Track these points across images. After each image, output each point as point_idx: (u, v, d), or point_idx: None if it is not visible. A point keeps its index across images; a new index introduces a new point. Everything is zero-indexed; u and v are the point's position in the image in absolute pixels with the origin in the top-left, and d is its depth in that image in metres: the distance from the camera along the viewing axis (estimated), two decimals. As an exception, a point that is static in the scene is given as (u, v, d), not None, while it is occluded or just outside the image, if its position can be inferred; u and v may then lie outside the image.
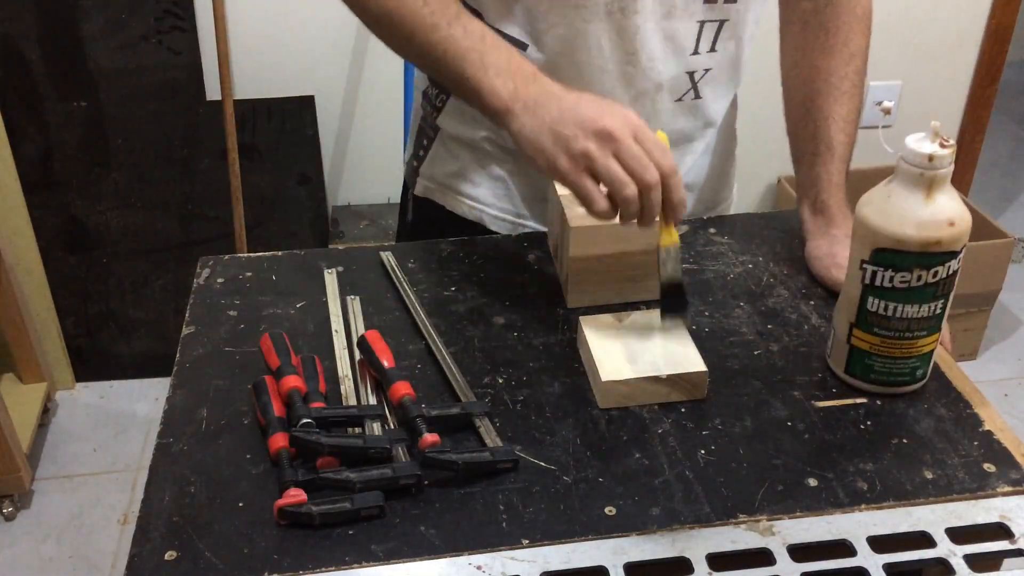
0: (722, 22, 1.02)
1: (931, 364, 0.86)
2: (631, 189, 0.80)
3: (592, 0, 0.97)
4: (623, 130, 0.80)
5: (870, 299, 0.81)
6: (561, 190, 0.93)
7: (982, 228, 2.32)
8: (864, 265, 0.81)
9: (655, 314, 0.89)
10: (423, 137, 1.16)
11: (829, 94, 1.04)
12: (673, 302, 0.87)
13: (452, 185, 1.14)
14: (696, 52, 1.03)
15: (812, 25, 1.06)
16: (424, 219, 1.18)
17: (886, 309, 0.81)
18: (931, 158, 0.76)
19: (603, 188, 0.82)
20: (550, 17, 0.98)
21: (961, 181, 2.61)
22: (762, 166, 2.45)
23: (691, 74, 1.04)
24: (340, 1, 0.95)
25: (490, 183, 1.11)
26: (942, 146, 0.76)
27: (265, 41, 2.13)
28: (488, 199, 1.12)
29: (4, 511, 2.04)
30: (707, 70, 1.05)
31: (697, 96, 1.07)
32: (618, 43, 1.00)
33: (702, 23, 1.01)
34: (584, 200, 0.82)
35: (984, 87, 2.48)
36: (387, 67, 2.18)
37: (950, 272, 0.79)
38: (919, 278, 0.79)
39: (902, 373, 0.84)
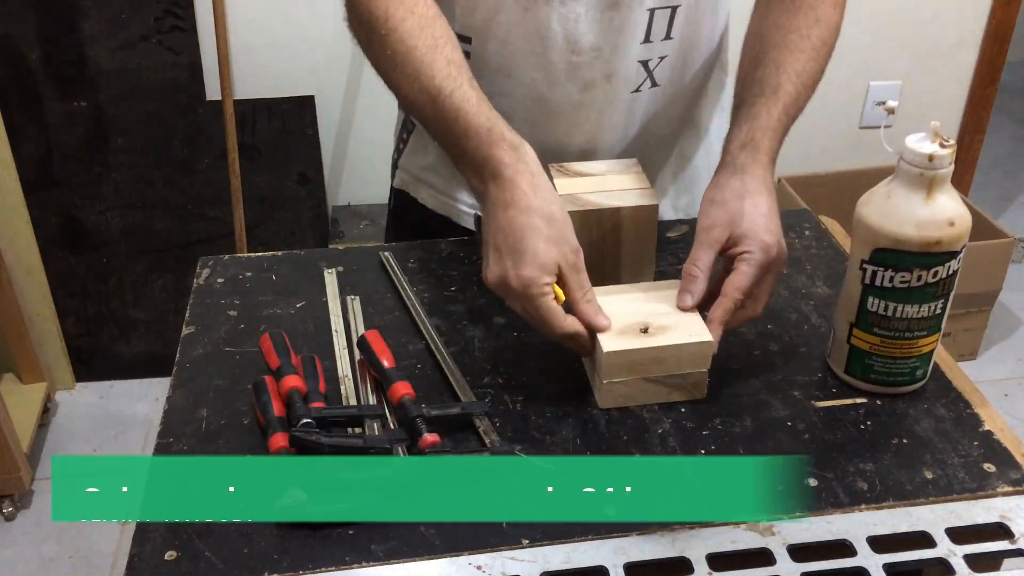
0: (674, 8, 0.99)
1: (931, 364, 0.86)
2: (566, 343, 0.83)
3: None
4: (528, 301, 0.81)
5: (870, 299, 0.81)
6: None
7: (982, 228, 2.32)
8: (864, 265, 0.81)
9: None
10: (404, 130, 1.18)
11: (785, 47, 0.95)
12: None
13: (424, 178, 1.16)
14: (648, 40, 1.00)
15: None
16: (402, 211, 1.20)
17: (886, 309, 0.81)
18: (931, 158, 0.76)
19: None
20: (488, 4, 0.97)
21: (961, 181, 2.61)
22: (762, 166, 2.45)
23: (644, 63, 1.02)
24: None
25: (458, 176, 1.11)
26: (942, 146, 0.76)
27: (265, 41, 2.13)
28: (457, 193, 1.13)
29: (4, 511, 2.04)
30: (662, 57, 1.02)
31: (654, 84, 1.04)
32: (560, 32, 0.98)
33: (652, 11, 0.98)
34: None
35: (984, 87, 2.48)
36: (387, 67, 2.18)
37: (950, 272, 0.79)
38: (919, 278, 0.79)
39: (902, 373, 0.84)
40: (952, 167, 0.77)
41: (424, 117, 0.90)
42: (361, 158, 2.32)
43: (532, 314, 0.82)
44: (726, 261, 0.86)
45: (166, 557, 0.70)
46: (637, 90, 1.03)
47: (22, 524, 2.04)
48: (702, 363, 0.84)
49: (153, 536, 0.72)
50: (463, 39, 0.99)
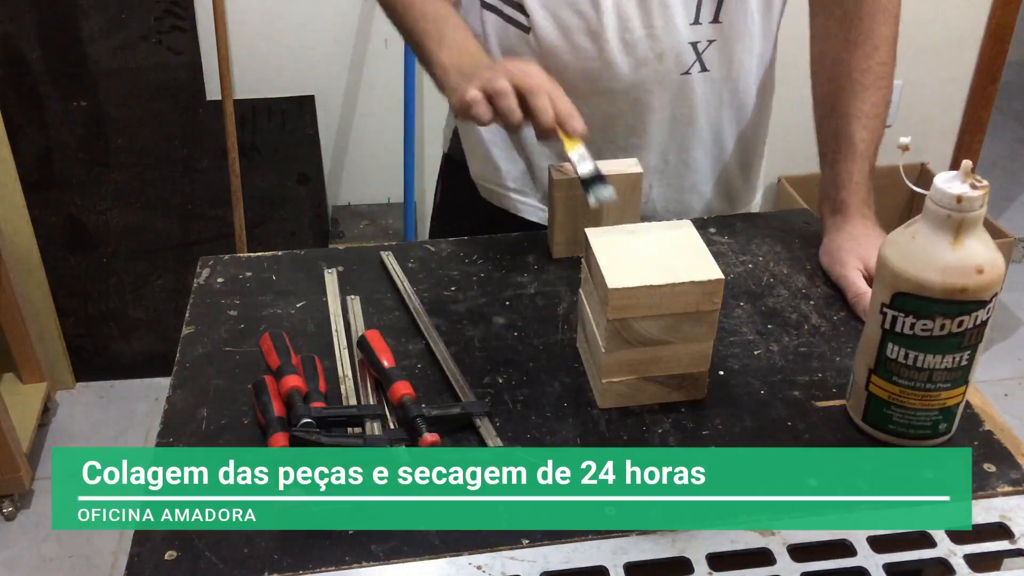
0: None
1: (956, 419, 0.80)
2: (510, 99, 0.87)
3: None
4: (516, 67, 0.90)
5: (890, 345, 0.76)
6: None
7: (982, 228, 2.32)
8: (885, 309, 0.75)
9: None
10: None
11: (851, 89, 1.03)
12: (598, 188, 0.92)
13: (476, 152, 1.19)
14: (697, 22, 1.02)
15: (836, 15, 1.05)
16: (452, 179, 1.26)
17: (906, 357, 0.76)
18: (960, 199, 0.70)
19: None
20: None
21: (961, 181, 2.61)
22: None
23: (694, 44, 1.04)
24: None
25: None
26: (973, 187, 0.71)
27: (265, 41, 2.13)
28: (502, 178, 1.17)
29: (4, 511, 2.04)
30: (711, 41, 1.04)
31: (704, 68, 1.05)
32: (614, 8, 1.00)
33: None
34: (457, 102, 0.91)
35: (984, 87, 2.48)
36: (387, 67, 2.18)
37: (977, 322, 0.73)
38: (942, 327, 0.73)
39: (923, 426, 0.79)
40: (984, 210, 0.72)
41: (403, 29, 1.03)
42: (361, 158, 2.31)
43: (518, 71, 0.89)
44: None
45: (166, 557, 0.70)
46: (687, 72, 1.05)
47: (22, 524, 2.04)
48: (702, 363, 0.84)
49: (153, 536, 0.72)
50: (521, 10, 1.04)
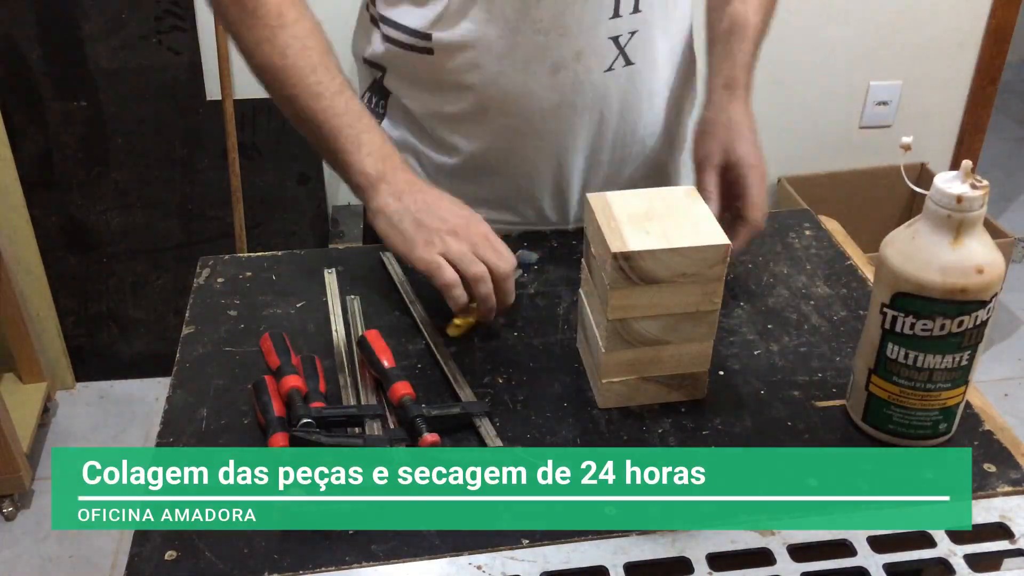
0: None
1: (956, 419, 0.80)
2: (487, 284, 0.89)
3: None
4: (473, 229, 0.91)
5: (890, 345, 0.76)
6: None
7: (982, 228, 2.32)
8: (885, 309, 0.75)
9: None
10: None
11: None
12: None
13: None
14: (616, 15, 0.99)
15: None
16: None
17: (906, 357, 0.76)
18: (960, 199, 0.70)
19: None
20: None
21: (961, 181, 2.61)
22: (762, 166, 2.45)
23: (615, 39, 1.01)
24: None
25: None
26: (973, 187, 0.71)
27: (265, 41, 2.13)
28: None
29: (4, 511, 2.04)
30: (633, 33, 1.01)
31: (628, 63, 1.03)
32: (523, 11, 0.97)
33: None
34: (435, 274, 0.89)
35: (984, 87, 2.48)
36: (387, 67, 2.18)
37: (977, 322, 0.73)
38: (942, 327, 0.73)
39: (922, 426, 0.79)
40: (984, 210, 0.72)
41: (295, 117, 0.98)
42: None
43: (483, 244, 0.89)
44: (723, 183, 0.97)
45: (166, 557, 0.70)
46: (610, 68, 1.02)
47: (22, 524, 2.04)
48: (702, 363, 0.84)
49: (153, 536, 0.72)
50: (421, 36, 1.00)
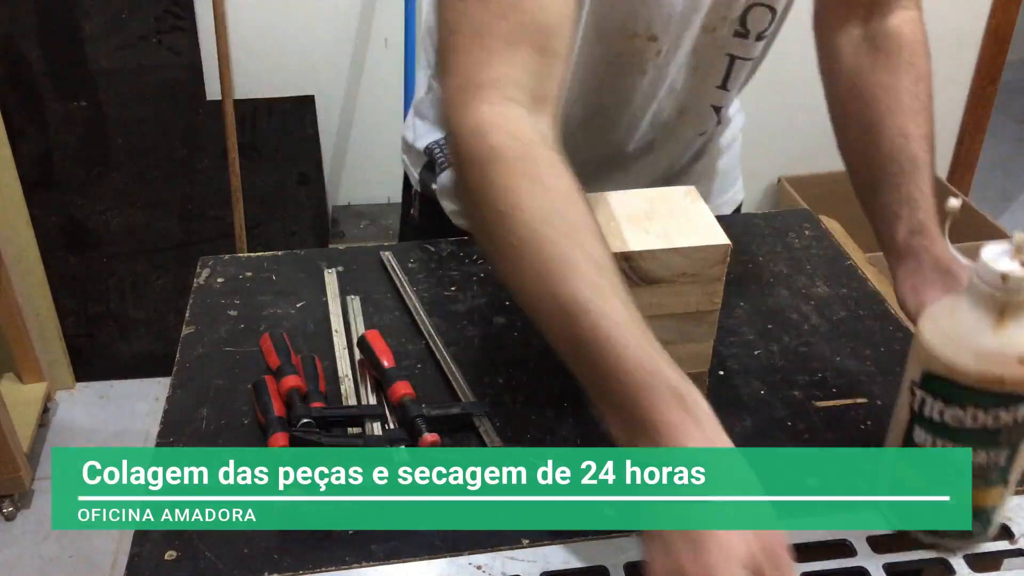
0: (750, 59, 1.00)
1: (992, 522, 0.71)
2: None
3: (638, 54, 0.94)
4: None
5: (917, 430, 0.68)
6: None
7: (982, 228, 2.32)
8: (914, 388, 0.67)
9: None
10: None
11: (902, 113, 0.89)
12: None
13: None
14: (724, 88, 1.02)
15: (868, 49, 0.94)
16: (428, 217, 1.18)
17: (934, 446, 0.67)
18: (1005, 278, 0.61)
19: None
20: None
21: (961, 181, 2.61)
22: (762, 166, 2.45)
23: (716, 107, 1.04)
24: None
25: None
26: None
27: (265, 41, 2.13)
28: None
29: (4, 511, 2.04)
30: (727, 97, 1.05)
31: (719, 122, 1.08)
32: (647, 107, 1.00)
33: (732, 57, 0.99)
34: None
35: (984, 87, 2.48)
36: (387, 67, 2.18)
37: (1020, 419, 0.64)
38: (975, 418, 0.64)
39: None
40: None
41: (552, 330, 0.67)
42: (361, 158, 2.32)
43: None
44: None
45: (166, 557, 0.70)
46: (703, 133, 1.08)
47: (22, 524, 2.04)
48: (702, 363, 0.84)
49: (153, 536, 0.72)
50: None
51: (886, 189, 0.87)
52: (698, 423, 0.61)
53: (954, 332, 0.64)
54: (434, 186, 1.13)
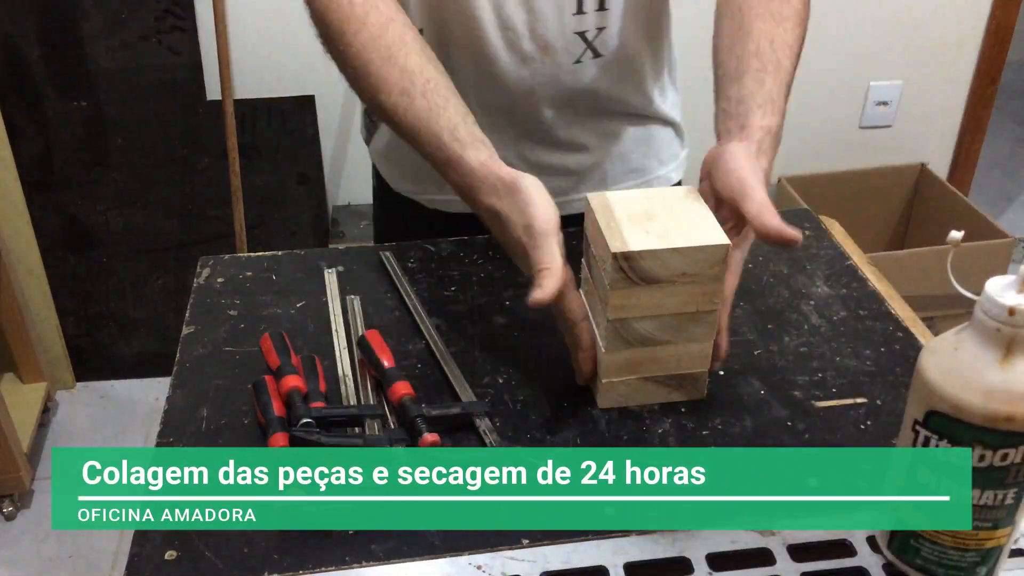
0: None
1: (998, 562, 0.68)
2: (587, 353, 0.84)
3: None
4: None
5: (921, 470, 0.66)
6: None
7: (982, 228, 2.32)
8: (917, 427, 0.65)
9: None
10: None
11: (771, 17, 0.93)
12: None
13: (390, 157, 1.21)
14: (581, 11, 1.02)
15: None
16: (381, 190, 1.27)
17: (939, 487, 0.65)
18: (1013, 312, 0.59)
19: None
20: None
21: (961, 181, 2.61)
22: (762, 166, 2.45)
23: (582, 34, 1.03)
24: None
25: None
26: None
27: (265, 41, 2.13)
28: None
29: (4, 511, 2.04)
30: (601, 28, 1.04)
31: (597, 55, 1.05)
32: (490, 10, 1.01)
33: None
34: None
35: (984, 87, 2.48)
36: (387, 67, 2.18)
37: None
38: (982, 458, 0.62)
39: (957, 567, 0.67)
40: None
41: (393, 126, 0.94)
42: (361, 158, 2.32)
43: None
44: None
45: (166, 557, 0.70)
46: (579, 61, 1.05)
47: (22, 524, 2.04)
48: (702, 363, 0.84)
49: (153, 536, 0.72)
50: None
51: (747, 81, 0.90)
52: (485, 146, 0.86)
53: (959, 369, 0.62)
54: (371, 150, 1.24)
